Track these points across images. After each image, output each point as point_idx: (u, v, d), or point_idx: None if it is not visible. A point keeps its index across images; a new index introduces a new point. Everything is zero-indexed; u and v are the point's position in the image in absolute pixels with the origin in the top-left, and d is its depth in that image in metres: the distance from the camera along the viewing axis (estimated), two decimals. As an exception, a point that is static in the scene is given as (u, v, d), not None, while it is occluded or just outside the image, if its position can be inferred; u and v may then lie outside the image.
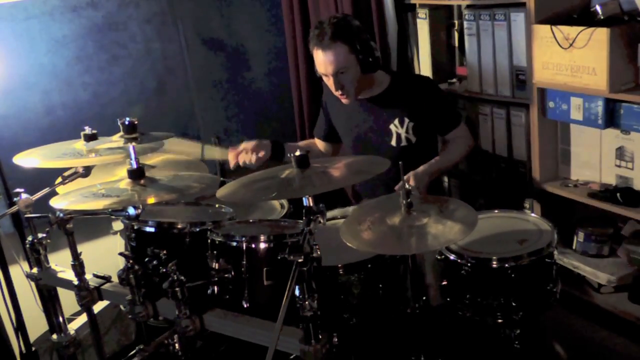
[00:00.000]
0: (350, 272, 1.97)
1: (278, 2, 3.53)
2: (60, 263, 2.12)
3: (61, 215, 1.91)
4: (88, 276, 1.98)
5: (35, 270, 2.10)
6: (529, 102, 2.62)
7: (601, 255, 2.62)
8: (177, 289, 1.69)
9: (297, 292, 1.54)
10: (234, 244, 1.78)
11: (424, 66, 3.09)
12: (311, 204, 1.74)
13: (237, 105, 3.71)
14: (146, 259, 1.80)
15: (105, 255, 2.45)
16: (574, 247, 2.68)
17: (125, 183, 1.93)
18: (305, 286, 1.54)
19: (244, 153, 2.52)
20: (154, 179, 1.96)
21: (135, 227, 1.95)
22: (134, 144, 1.91)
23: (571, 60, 2.37)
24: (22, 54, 3.04)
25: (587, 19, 2.34)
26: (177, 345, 2.02)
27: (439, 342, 2.09)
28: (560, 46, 2.37)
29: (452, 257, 2.00)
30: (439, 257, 2.05)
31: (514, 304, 1.95)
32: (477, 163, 2.96)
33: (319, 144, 2.85)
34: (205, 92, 3.59)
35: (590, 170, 2.61)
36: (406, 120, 2.50)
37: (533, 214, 2.32)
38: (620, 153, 2.48)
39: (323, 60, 2.40)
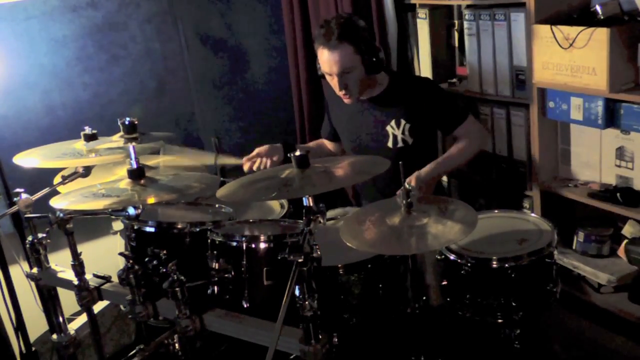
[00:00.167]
0: (351, 272, 1.97)
1: (278, 2, 3.53)
2: (60, 263, 2.12)
3: (61, 215, 1.91)
4: (88, 276, 1.98)
5: (35, 270, 2.10)
6: (529, 102, 2.62)
7: (601, 255, 2.62)
8: (177, 289, 1.69)
9: (297, 292, 1.54)
10: (234, 244, 1.78)
11: (424, 66, 3.09)
12: (311, 204, 1.73)
13: (237, 105, 3.71)
14: (146, 259, 1.79)
15: (105, 255, 2.45)
16: (574, 247, 2.68)
17: (125, 183, 1.93)
18: (305, 286, 1.54)
19: (259, 160, 2.52)
20: (154, 179, 1.96)
21: (135, 227, 1.95)
22: (134, 144, 1.91)
23: (571, 60, 2.37)
24: (22, 54, 3.04)
25: (587, 19, 2.34)
26: (177, 345, 2.02)
27: (439, 342, 2.09)
28: (560, 46, 2.37)
29: (452, 257, 2.00)
30: (439, 257, 2.05)
31: (514, 304, 1.95)
32: (477, 163, 2.96)
33: (327, 143, 2.86)
34: (205, 92, 3.59)
35: (590, 170, 2.61)
36: (402, 121, 2.50)
37: (533, 214, 2.32)
38: (620, 153, 2.48)
39: (329, 60, 2.40)
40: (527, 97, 2.63)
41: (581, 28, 2.30)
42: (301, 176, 1.86)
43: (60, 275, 2.07)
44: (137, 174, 1.93)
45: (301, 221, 1.60)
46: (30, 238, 2.06)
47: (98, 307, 2.25)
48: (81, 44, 3.18)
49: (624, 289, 2.52)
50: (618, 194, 2.42)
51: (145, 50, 3.35)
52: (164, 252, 1.79)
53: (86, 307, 2.02)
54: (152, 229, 1.93)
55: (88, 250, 2.03)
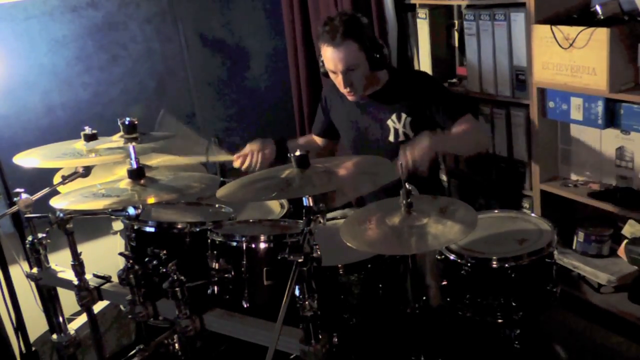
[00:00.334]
0: (351, 272, 1.97)
1: (278, 2, 3.53)
2: (60, 263, 2.12)
3: (61, 215, 1.91)
4: (88, 276, 1.98)
5: (35, 270, 2.10)
6: (529, 102, 2.62)
7: (601, 255, 2.62)
8: (177, 289, 1.69)
9: (297, 292, 1.54)
10: (234, 244, 1.78)
11: (424, 66, 3.09)
12: (311, 204, 1.73)
13: (237, 105, 3.71)
14: (146, 259, 1.79)
15: (105, 255, 2.45)
16: (574, 247, 2.68)
17: (125, 183, 1.93)
18: (305, 286, 1.54)
19: (250, 156, 2.52)
20: (154, 179, 1.96)
21: (135, 227, 1.95)
22: (134, 144, 1.91)
23: (571, 60, 2.37)
24: (22, 54, 3.04)
25: (587, 19, 2.34)
26: (177, 345, 2.02)
27: (439, 342, 2.09)
28: (560, 46, 2.37)
29: (452, 257, 2.00)
30: (439, 257, 2.05)
31: (514, 304, 1.95)
32: (477, 163, 2.96)
33: (317, 139, 2.86)
34: (205, 92, 3.59)
35: (590, 170, 2.61)
36: (403, 115, 2.50)
37: (533, 214, 2.32)
38: (620, 153, 2.48)
39: (333, 57, 2.40)
40: (527, 97, 2.63)
41: (581, 28, 2.30)
42: (301, 176, 1.86)
43: (60, 275, 2.07)
44: (137, 174, 1.93)
45: (301, 221, 1.60)
46: (30, 238, 2.06)
47: (98, 307, 2.25)
48: (81, 44, 3.17)
49: (624, 289, 2.52)
50: (618, 194, 2.42)
51: (145, 50, 3.35)
52: (164, 252, 1.79)
53: (86, 307, 2.02)
54: (152, 229, 1.93)
55: (88, 250, 2.03)
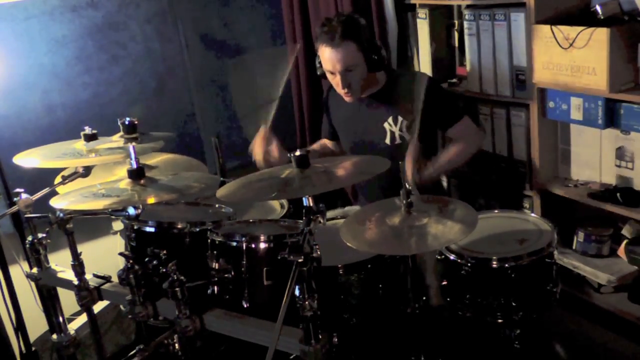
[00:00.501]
0: (351, 272, 1.96)
1: (278, 2, 3.53)
2: (60, 263, 2.12)
3: (61, 215, 1.91)
4: (88, 276, 1.98)
5: (35, 270, 2.10)
6: (529, 102, 2.62)
7: (601, 255, 2.62)
8: (177, 289, 1.69)
9: (297, 292, 1.54)
10: (234, 244, 1.78)
11: (424, 66, 3.09)
12: (311, 204, 1.73)
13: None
14: (146, 259, 1.79)
15: (105, 255, 2.45)
16: (574, 247, 2.68)
17: (125, 183, 1.93)
18: (305, 286, 1.54)
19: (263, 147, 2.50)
20: (154, 179, 1.96)
21: (135, 227, 1.95)
22: (134, 144, 1.91)
23: (571, 60, 2.37)
24: (22, 54, 3.04)
25: (587, 19, 2.34)
26: (177, 345, 2.02)
27: (439, 342, 2.09)
28: (560, 46, 2.37)
29: (452, 257, 2.00)
30: (439, 257, 2.05)
31: (514, 304, 1.95)
32: (477, 163, 2.96)
33: (329, 143, 2.85)
34: (205, 92, 3.59)
35: (590, 170, 2.61)
36: (400, 118, 2.50)
37: (533, 214, 2.32)
38: (620, 153, 2.48)
39: (332, 58, 2.40)
40: (527, 97, 2.63)
41: (581, 28, 2.30)
42: (301, 176, 1.86)
43: (60, 275, 2.07)
44: (137, 174, 1.93)
45: (301, 221, 1.60)
46: (30, 238, 2.06)
47: (98, 307, 2.25)
48: (81, 44, 3.17)
49: (624, 289, 2.52)
50: (618, 194, 2.42)
51: (145, 50, 3.35)
52: (164, 252, 1.79)
53: (86, 307, 2.02)
54: (152, 229, 1.93)
55: (88, 250, 2.03)
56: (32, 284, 2.17)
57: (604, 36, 2.23)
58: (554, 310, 2.13)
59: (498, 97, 2.76)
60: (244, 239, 1.77)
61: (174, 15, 3.41)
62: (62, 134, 2.42)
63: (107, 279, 1.99)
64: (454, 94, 2.90)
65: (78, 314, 2.34)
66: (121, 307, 2.43)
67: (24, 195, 2.02)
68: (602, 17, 2.29)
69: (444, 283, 2.05)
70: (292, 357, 1.72)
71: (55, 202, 1.90)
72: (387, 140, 2.53)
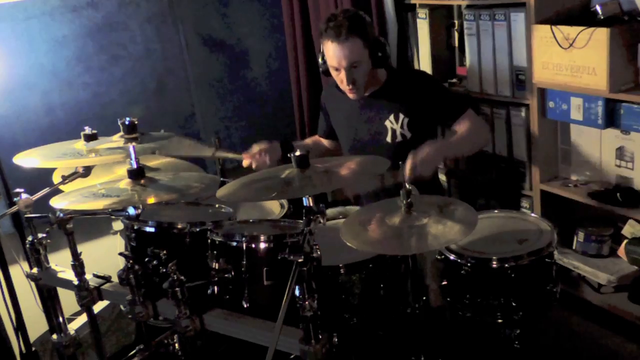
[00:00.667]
0: (351, 272, 1.96)
1: (278, 1, 3.53)
2: (60, 263, 2.12)
3: (61, 215, 1.91)
4: (88, 276, 1.98)
5: (35, 270, 2.09)
6: (529, 102, 2.62)
7: (601, 255, 2.62)
8: (177, 289, 1.69)
9: (297, 292, 1.54)
10: (234, 244, 1.78)
11: (424, 66, 3.09)
12: (311, 204, 1.73)
13: (237, 105, 3.71)
14: (146, 259, 1.79)
15: (105, 255, 2.45)
16: (574, 247, 2.68)
17: (125, 183, 1.93)
18: (305, 286, 1.54)
19: (258, 156, 2.51)
20: (154, 179, 1.96)
21: (135, 227, 1.95)
22: (134, 144, 1.91)
23: (571, 60, 2.37)
24: (22, 54, 3.04)
25: (587, 19, 2.34)
26: (177, 345, 2.02)
27: (439, 342, 2.09)
28: (560, 46, 2.37)
29: (452, 257, 2.00)
30: (439, 257, 2.05)
31: (514, 304, 1.95)
32: (477, 163, 2.96)
33: (323, 141, 2.86)
34: (205, 92, 3.59)
35: (590, 170, 2.61)
36: (401, 115, 2.50)
37: (533, 214, 2.32)
38: (620, 153, 2.48)
39: (337, 54, 2.40)
40: (527, 97, 2.63)
41: (581, 28, 2.30)
42: (301, 176, 1.86)
43: (60, 275, 2.06)
44: (137, 174, 1.93)
45: (301, 221, 1.60)
46: (30, 238, 2.05)
47: (98, 307, 2.25)
48: (81, 44, 3.18)
49: (624, 289, 2.52)
50: (618, 194, 2.42)
51: (145, 50, 3.35)
52: (164, 252, 1.79)
53: (86, 307, 2.02)
54: (152, 229, 1.93)
55: (88, 250, 2.03)
56: (32, 284, 2.17)
57: (604, 36, 2.24)
58: (554, 310, 2.12)
59: (498, 97, 2.76)
60: (244, 239, 1.77)
61: (174, 15, 3.41)
62: (62, 134, 2.42)
63: (107, 279, 1.99)
64: (454, 90, 2.91)
65: (78, 314, 2.34)
66: (121, 307, 2.43)
67: (24, 195, 2.02)
68: (602, 17, 2.30)
69: (444, 283, 2.05)
70: (292, 357, 1.72)
71: (55, 202, 1.90)
72: (389, 138, 2.53)
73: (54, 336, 2.13)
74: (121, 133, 1.95)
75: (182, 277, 1.70)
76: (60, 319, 2.12)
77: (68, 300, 2.12)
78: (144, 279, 1.77)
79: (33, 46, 3.06)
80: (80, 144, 2.16)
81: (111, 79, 3.28)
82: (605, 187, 2.52)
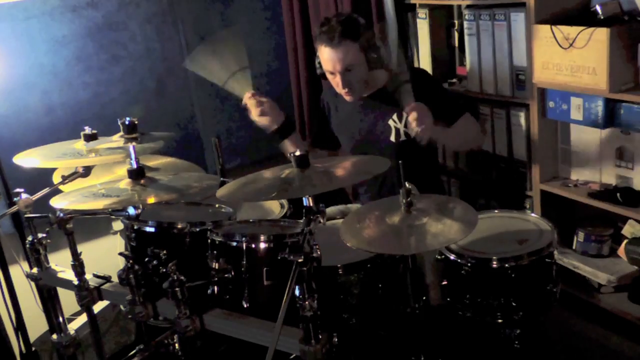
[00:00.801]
0: (350, 272, 1.96)
1: (278, 2, 3.53)
2: (60, 263, 2.12)
3: (61, 215, 1.91)
4: (88, 276, 1.98)
5: (35, 270, 2.09)
6: (529, 102, 2.62)
7: (601, 255, 2.62)
8: (177, 289, 1.69)
9: (297, 292, 1.54)
10: (234, 244, 1.78)
11: (424, 66, 3.09)
12: (311, 204, 1.73)
13: (237, 105, 3.70)
14: (146, 259, 1.79)
15: (105, 255, 2.45)
16: (574, 247, 2.69)
17: (125, 183, 1.93)
18: (305, 286, 1.54)
19: (261, 105, 2.48)
20: (154, 179, 1.96)
21: (135, 227, 1.95)
22: (134, 144, 1.91)
23: (571, 60, 2.37)
24: (22, 54, 3.04)
25: (587, 19, 2.34)
26: (177, 345, 2.02)
27: (439, 342, 2.08)
28: (560, 46, 2.37)
29: (452, 257, 2.00)
30: (439, 257, 2.05)
31: (514, 304, 1.95)
32: (477, 163, 2.96)
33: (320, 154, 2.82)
34: (205, 92, 3.59)
35: (590, 170, 2.61)
36: (405, 114, 2.50)
37: (533, 214, 2.32)
38: (620, 153, 2.48)
39: (332, 58, 2.40)
40: (527, 97, 2.63)
41: (581, 28, 2.30)
42: (301, 176, 1.86)
43: (60, 275, 2.06)
44: (137, 174, 1.93)
45: (301, 221, 1.60)
46: (30, 238, 2.05)
47: (98, 307, 2.25)
48: (81, 44, 3.18)
49: (624, 289, 2.52)
50: (618, 194, 2.42)
51: (145, 50, 3.35)
52: (164, 252, 1.79)
53: (86, 307, 2.02)
54: (152, 229, 1.93)
55: (88, 250, 2.03)
56: (32, 284, 2.17)
57: (604, 36, 2.24)
58: (554, 310, 2.12)
59: (498, 97, 2.76)
60: (244, 239, 1.77)
61: (174, 15, 3.41)
62: (62, 134, 2.42)
63: (107, 279, 1.98)
64: (454, 93, 2.91)
65: (78, 314, 2.34)
66: (121, 307, 2.43)
67: (24, 195, 2.02)
68: (602, 17, 2.30)
69: (444, 283, 2.05)
70: (292, 357, 1.72)
71: (55, 202, 1.90)
72: (392, 138, 2.53)
73: (54, 336, 2.14)
74: (121, 133, 1.95)
75: (182, 277, 1.70)
76: (60, 319, 2.12)
77: (68, 300, 2.12)
78: (144, 279, 1.77)
79: (33, 46, 3.06)
80: (80, 144, 2.16)
81: (111, 79, 3.28)
82: (605, 187, 2.52)
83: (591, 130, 2.52)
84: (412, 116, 2.24)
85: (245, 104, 2.50)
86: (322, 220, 1.59)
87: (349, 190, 3.13)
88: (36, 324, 2.45)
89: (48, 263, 2.09)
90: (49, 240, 2.07)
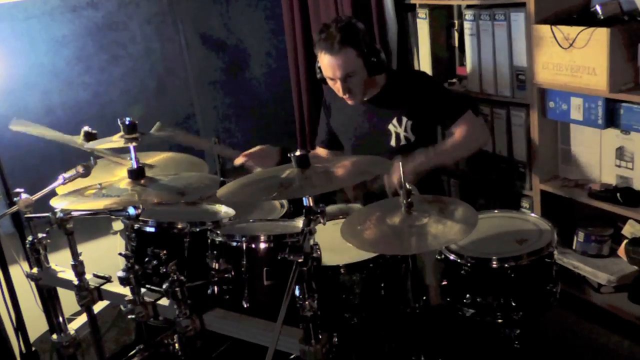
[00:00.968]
0: (352, 272, 1.96)
1: (278, 2, 3.53)
2: (60, 263, 2.12)
3: (61, 215, 1.91)
4: (88, 276, 1.98)
5: (35, 270, 2.10)
6: (529, 102, 2.62)
7: (601, 255, 2.62)
8: (177, 289, 1.69)
9: (297, 292, 1.54)
10: (234, 244, 1.78)
11: (424, 66, 3.09)
12: (311, 204, 1.73)
13: (237, 106, 3.71)
14: (146, 259, 1.79)
15: (105, 255, 2.45)
16: (574, 247, 2.68)
17: (125, 183, 1.93)
18: (305, 286, 1.54)
19: (253, 157, 2.52)
20: (154, 179, 1.96)
21: (135, 227, 1.95)
22: (134, 144, 1.91)
23: (571, 60, 2.37)
24: (22, 54, 3.04)
25: (587, 19, 2.34)
26: (177, 345, 2.02)
27: (439, 342, 2.09)
28: (560, 46, 2.37)
29: (452, 257, 2.00)
30: (439, 257, 2.05)
31: (514, 304, 1.95)
32: (477, 163, 2.96)
33: (322, 152, 2.83)
34: (205, 92, 3.59)
35: (590, 170, 2.61)
36: (404, 118, 2.50)
37: (533, 214, 2.32)
38: (620, 153, 2.48)
39: (331, 65, 2.40)
40: (527, 97, 2.63)
41: (581, 28, 2.30)
42: (301, 176, 1.86)
43: (60, 275, 2.07)
44: (137, 174, 1.93)
45: (301, 221, 1.60)
46: (30, 238, 2.06)
47: (98, 307, 2.25)
48: (81, 44, 3.18)
49: (624, 289, 2.51)
50: (618, 194, 2.42)
51: (145, 50, 3.35)
52: (164, 252, 1.79)
53: (86, 307, 2.02)
54: (152, 229, 1.93)
55: (88, 250, 2.03)
56: (32, 284, 2.17)
57: (604, 36, 2.24)
58: (554, 310, 2.12)
59: (498, 97, 2.76)
60: (244, 239, 1.77)
61: (174, 15, 3.41)
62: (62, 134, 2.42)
63: (107, 279, 1.99)
64: (455, 91, 2.91)
65: (78, 314, 2.34)
66: (121, 307, 2.43)
67: (24, 195, 2.02)
68: (602, 17, 2.30)
69: (444, 283, 2.05)
70: (292, 357, 1.72)
71: (55, 202, 1.90)
72: (392, 142, 2.53)
73: (54, 336, 2.14)
74: (121, 133, 1.95)
75: (182, 277, 1.70)
76: (60, 319, 2.12)
77: (68, 300, 2.12)
78: (144, 279, 1.77)
79: (33, 46, 3.06)
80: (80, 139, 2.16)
81: (111, 79, 3.28)
82: (605, 187, 2.52)
83: (591, 130, 2.52)
84: (395, 177, 2.26)
85: (241, 165, 2.54)
86: (322, 220, 1.59)
87: (349, 192, 3.13)
88: (36, 324, 2.46)
89: (48, 263, 2.10)
90: (49, 240, 2.07)
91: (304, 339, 1.58)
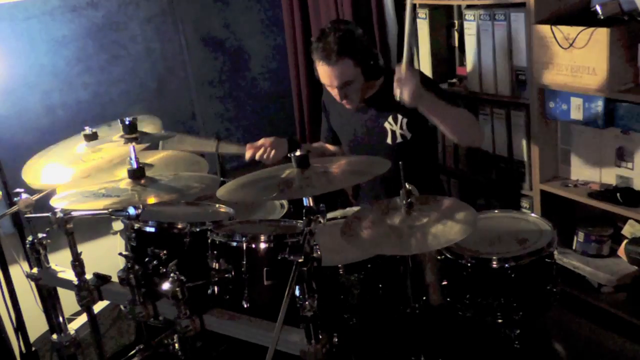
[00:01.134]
0: (351, 272, 1.96)
1: (278, 2, 3.53)
2: (60, 263, 2.12)
3: (61, 215, 1.91)
4: (88, 276, 1.98)
5: (35, 270, 2.10)
6: (529, 102, 2.62)
7: (601, 255, 2.62)
8: (177, 289, 1.69)
9: (297, 292, 1.54)
10: (234, 244, 1.78)
11: (424, 66, 3.09)
12: (311, 204, 1.73)
13: (237, 106, 3.71)
14: (146, 259, 1.79)
15: (105, 255, 2.45)
16: (574, 247, 2.69)
17: (125, 183, 1.93)
18: (305, 286, 1.54)
19: (262, 149, 2.52)
20: (154, 179, 1.96)
21: (135, 227, 1.95)
22: (134, 144, 1.91)
23: (571, 60, 2.37)
24: (22, 54, 3.04)
25: (587, 19, 2.34)
26: (177, 345, 2.02)
27: (439, 342, 2.08)
28: (560, 46, 2.37)
29: (452, 257, 2.00)
30: (439, 257, 2.05)
31: (514, 304, 1.95)
32: (477, 163, 2.96)
33: (328, 146, 2.85)
34: (205, 92, 3.59)
35: (590, 170, 2.61)
36: (399, 116, 2.50)
37: (533, 214, 2.32)
38: (620, 153, 2.48)
39: (328, 74, 2.40)
40: (527, 97, 2.63)
41: (581, 28, 2.30)
42: (301, 176, 1.86)
43: (60, 275, 2.07)
44: (137, 174, 1.93)
45: (301, 221, 1.60)
46: (30, 238, 2.06)
47: (98, 307, 2.25)
48: (81, 44, 3.18)
49: (624, 289, 2.52)
50: (618, 194, 2.42)
51: (145, 50, 3.35)
52: (164, 252, 1.79)
53: (86, 307, 2.02)
54: (152, 229, 1.93)
55: (88, 250, 2.03)
56: (32, 284, 2.17)
57: (604, 36, 2.24)
58: (554, 310, 2.13)
59: (498, 97, 2.76)
60: (244, 239, 1.77)
61: (174, 15, 3.41)
62: (62, 134, 2.42)
63: (107, 279, 1.99)
64: (452, 92, 2.90)
65: (78, 314, 2.34)
66: (121, 307, 2.43)
67: (24, 195, 2.02)
68: (602, 17, 2.29)
69: (444, 283, 2.05)
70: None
71: (55, 202, 1.90)
72: (389, 140, 2.53)
73: (54, 336, 2.14)
74: (121, 133, 1.95)
75: (182, 277, 1.70)
76: (60, 319, 2.12)
77: (68, 300, 2.12)
78: (144, 279, 1.77)
79: (33, 46, 3.06)
80: (80, 140, 2.16)
81: (111, 79, 3.28)
82: (605, 187, 2.52)
83: (591, 130, 2.52)
84: (395, 82, 2.21)
85: (251, 158, 2.54)
86: (322, 221, 1.59)
87: (349, 191, 3.13)
88: (36, 324, 2.46)
89: (48, 263, 2.09)
90: (49, 240, 2.07)
91: (304, 339, 1.58)
